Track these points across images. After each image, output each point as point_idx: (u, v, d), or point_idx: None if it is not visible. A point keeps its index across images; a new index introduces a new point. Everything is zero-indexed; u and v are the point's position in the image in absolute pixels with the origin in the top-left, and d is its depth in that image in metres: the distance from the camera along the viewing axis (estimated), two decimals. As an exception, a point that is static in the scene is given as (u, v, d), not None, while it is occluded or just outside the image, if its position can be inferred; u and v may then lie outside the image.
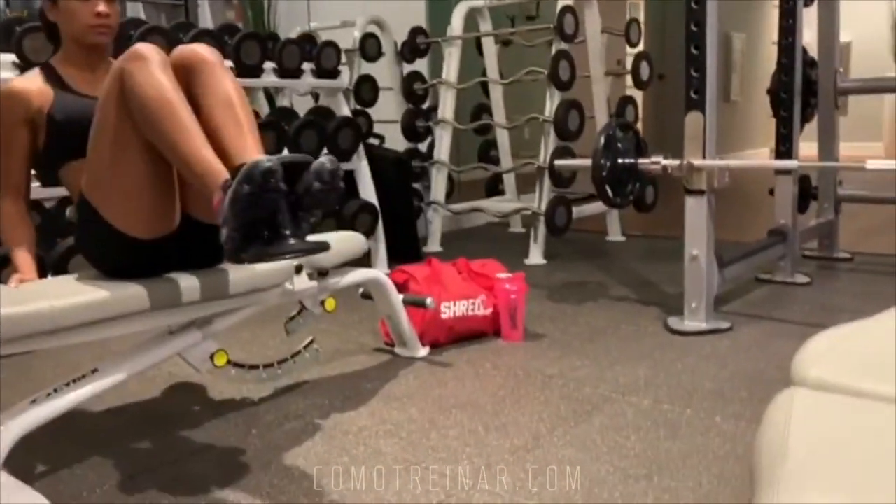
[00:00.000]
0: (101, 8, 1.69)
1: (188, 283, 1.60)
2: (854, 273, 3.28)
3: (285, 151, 3.07)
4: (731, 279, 2.67)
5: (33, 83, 1.70)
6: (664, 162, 2.48)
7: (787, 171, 3.01)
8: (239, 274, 1.69)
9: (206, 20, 6.18)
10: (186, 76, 1.49)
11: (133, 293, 1.52)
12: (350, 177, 3.44)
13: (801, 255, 3.28)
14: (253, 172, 1.26)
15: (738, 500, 1.42)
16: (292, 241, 1.31)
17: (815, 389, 0.85)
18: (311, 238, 1.37)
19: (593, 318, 2.69)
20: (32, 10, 5.39)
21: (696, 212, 2.45)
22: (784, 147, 3.11)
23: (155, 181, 1.52)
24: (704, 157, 2.41)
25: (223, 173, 1.36)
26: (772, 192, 3.19)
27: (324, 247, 1.39)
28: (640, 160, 2.54)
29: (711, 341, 2.38)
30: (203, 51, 1.53)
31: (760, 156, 8.70)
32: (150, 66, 1.43)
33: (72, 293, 1.47)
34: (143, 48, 1.46)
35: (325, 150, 3.31)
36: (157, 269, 1.60)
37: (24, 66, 2.52)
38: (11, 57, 2.52)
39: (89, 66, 1.76)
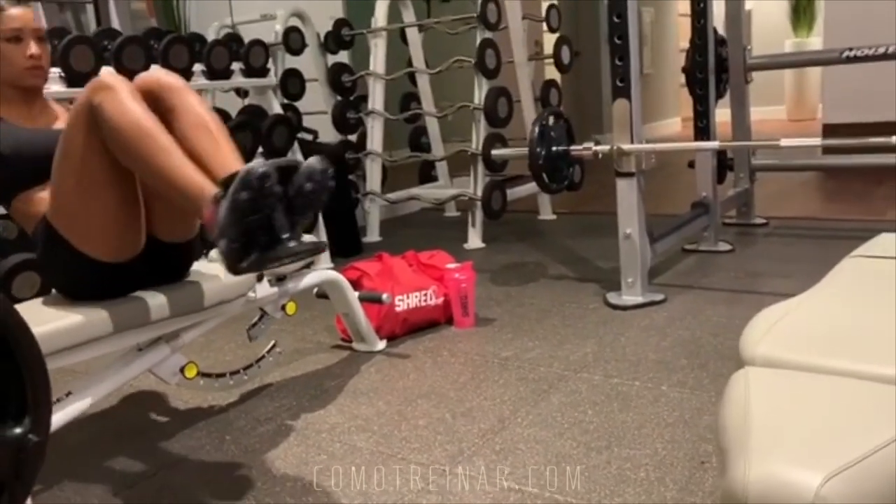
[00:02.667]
0: (34, 50, 1.73)
1: (157, 300, 1.63)
2: (771, 237, 3.52)
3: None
4: (661, 252, 2.84)
5: None
6: (595, 148, 2.62)
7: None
8: (205, 288, 1.73)
9: (115, 15, 5.99)
10: (154, 103, 1.51)
11: (103, 316, 1.54)
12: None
13: (722, 223, 3.50)
14: (249, 178, 1.27)
15: (690, 462, 1.57)
16: (291, 243, 1.32)
17: (765, 366, 0.98)
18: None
19: (537, 298, 2.82)
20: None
21: (627, 193, 2.60)
22: (702, 123, 3.30)
23: (121, 206, 1.54)
24: (632, 141, 2.56)
25: (211, 188, 1.37)
26: (691, 164, 3.38)
27: (321, 247, 1.43)
28: (573, 147, 2.67)
29: (649, 313, 2.54)
30: (166, 77, 1.56)
31: (673, 126, 9.05)
32: (120, 95, 1.44)
33: (42, 321, 1.49)
34: (109, 79, 1.47)
35: (259, 150, 3.31)
36: (124, 290, 1.63)
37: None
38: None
39: (26, 105, 1.79)
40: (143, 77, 1.57)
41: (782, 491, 0.72)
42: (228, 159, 1.47)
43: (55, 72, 2.73)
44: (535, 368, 2.14)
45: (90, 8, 5.96)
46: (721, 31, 3.49)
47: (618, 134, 2.58)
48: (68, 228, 1.56)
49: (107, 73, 1.49)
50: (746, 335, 1.08)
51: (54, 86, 2.73)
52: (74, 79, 2.76)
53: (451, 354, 2.31)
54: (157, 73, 1.58)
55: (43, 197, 1.66)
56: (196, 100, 1.55)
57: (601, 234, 3.59)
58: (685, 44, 3.80)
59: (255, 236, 1.30)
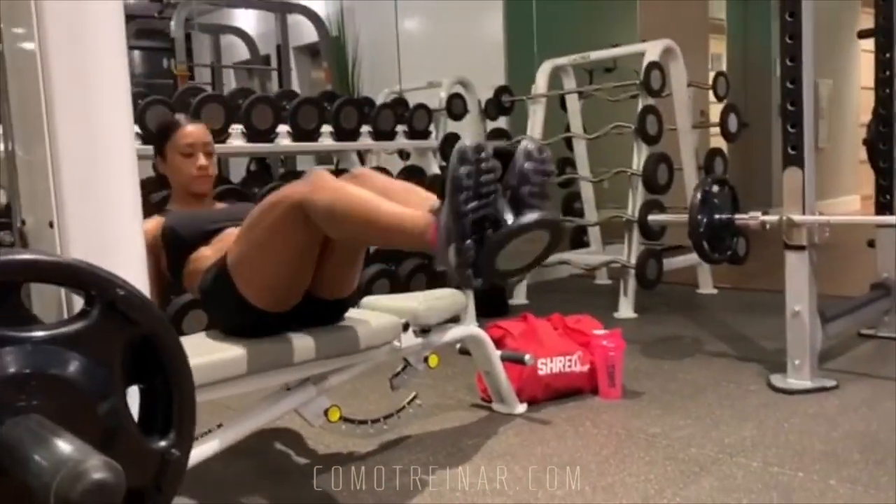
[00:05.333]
0: (202, 162, 2.02)
1: (304, 342, 1.68)
2: (966, 328, 3.14)
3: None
4: (834, 335, 2.60)
5: (150, 221, 1.94)
6: (763, 218, 2.47)
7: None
8: (353, 332, 1.77)
9: (296, 81, 6.50)
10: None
11: (249, 354, 1.60)
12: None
13: (906, 308, 3.16)
14: (463, 151, 1.25)
15: (864, 570, 1.38)
16: (520, 219, 1.24)
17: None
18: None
19: (692, 374, 2.65)
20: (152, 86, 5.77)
21: (797, 267, 2.42)
22: (884, 199, 3.03)
23: (293, 270, 1.64)
24: (804, 212, 2.39)
25: (428, 209, 1.39)
26: (871, 243, 3.10)
27: (560, 223, 1.32)
28: (737, 216, 2.53)
29: (818, 400, 2.31)
30: (363, 171, 1.73)
31: (851, 203, 8.44)
32: (332, 182, 1.53)
33: (204, 352, 1.58)
34: (321, 180, 1.54)
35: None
36: (277, 331, 1.70)
37: (145, 137, 2.73)
38: (135, 128, 2.73)
39: (198, 203, 2.06)
40: (347, 175, 1.70)
41: None
42: (433, 199, 1.51)
43: (237, 128, 2.98)
44: (686, 448, 1.99)
45: (275, 75, 6.52)
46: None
47: (788, 204, 2.42)
48: (240, 275, 1.67)
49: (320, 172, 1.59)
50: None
51: (235, 141, 2.98)
52: (254, 135, 3.00)
53: (594, 425, 2.20)
54: (359, 170, 1.74)
55: (206, 255, 1.85)
56: (395, 179, 1.74)
57: (766, 313, 3.36)
58: (866, 118, 3.54)
59: (482, 230, 1.25)
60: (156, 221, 1.97)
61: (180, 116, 2.17)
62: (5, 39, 0.76)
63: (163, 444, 0.69)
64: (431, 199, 1.52)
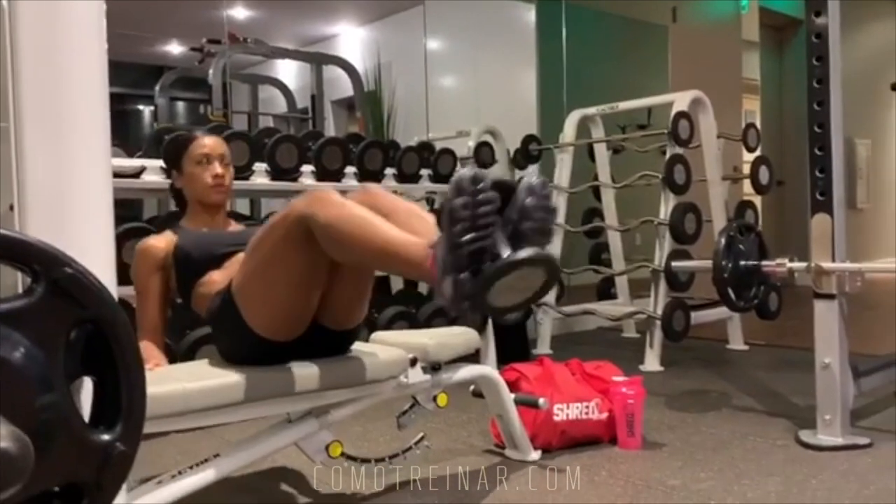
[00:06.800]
0: (218, 170, 2.00)
1: (307, 371, 1.64)
2: None
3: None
4: (868, 391, 2.47)
5: (163, 238, 1.97)
6: (790, 265, 2.38)
7: (927, 278, 2.82)
8: (358, 364, 1.72)
9: (331, 131, 6.60)
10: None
11: (249, 381, 1.56)
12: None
13: (948, 368, 3.01)
14: (460, 181, 1.22)
15: None
16: (515, 255, 1.21)
17: None
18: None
19: (716, 428, 2.54)
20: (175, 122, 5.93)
21: (826, 317, 2.32)
22: (922, 252, 2.92)
23: (298, 298, 1.61)
24: (834, 259, 2.30)
25: (427, 241, 1.36)
26: (910, 300, 2.99)
27: (553, 261, 1.27)
28: (764, 262, 2.45)
29: (849, 458, 2.18)
30: (375, 188, 1.69)
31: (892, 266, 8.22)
32: (336, 198, 1.51)
33: (203, 377, 1.55)
34: (323, 193, 1.53)
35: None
36: (280, 361, 1.66)
37: (169, 171, 2.76)
38: (159, 162, 2.76)
39: (210, 218, 2.04)
40: (354, 192, 1.67)
41: None
42: (435, 226, 1.49)
43: (262, 167, 3.00)
44: (705, 502, 1.88)
45: (310, 124, 6.62)
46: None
47: (816, 251, 2.33)
48: (244, 301, 1.64)
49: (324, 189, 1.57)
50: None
51: (259, 178, 3.00)
52: (278, 173, 3.01)
53: (610, 475, 2.10)
54: (368, 187, 1.70)
55: (215, 279, 1.82)
56: (404, 201, 1.66)
57: (799, 370, 3.23)
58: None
59: (480, 263, 1.21)
60: (168, 239, 1.95)
61: (197, 132, 2.16)
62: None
63: (107, 437, 0.64)
64: (435, 228, 1.48)
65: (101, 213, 0.72)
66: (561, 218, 4.08)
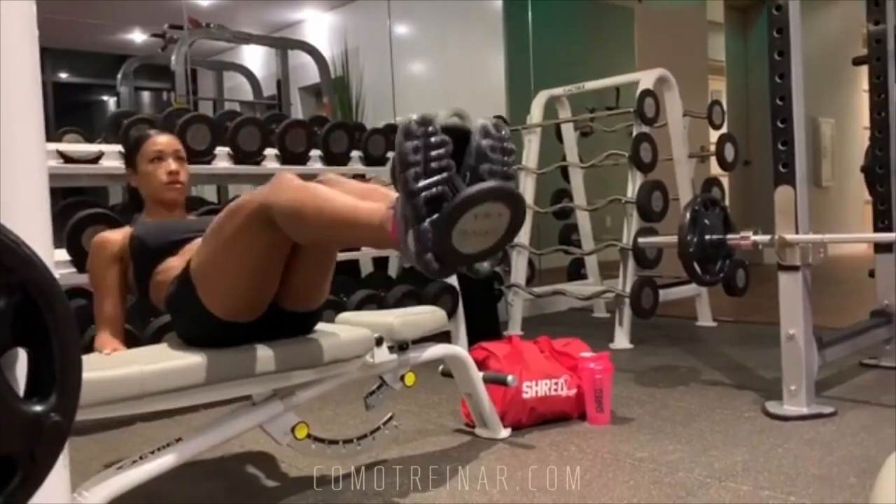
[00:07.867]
0: (172, 167, 2.00)
1: (265, 353, 1.61)
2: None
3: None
4: (832, 362, 2.51)
5: (119, 231, 1.94)
6: (754, 237, 2.40)
7: (888, 248, 2.86)
8: (320, 345, 1.70)
9: (300, 115, 6.52)
10: None
11: (206, 362, 1.53)
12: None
13: (910, 338, 3.06)
14: (408, 125, 1.16)
15: None
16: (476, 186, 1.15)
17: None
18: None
19: (685, 401, 2.56)
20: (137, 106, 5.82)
21: (790, 289, 2.34)
22: (882, 223, 2.96)
23: (255, 280, 1.57)
24: (797, 231, 2.32)
25: (387, 204, 1.32)
26: (871, 273, 3.03)
27: (518, 192, 1.22)
28: (729, 235, 2.46)
29: (814, 426, 2.21)
30: (333, 177, 1.64)
31: (857, 246, 8.35)
32: (295, 182, 1.48)
33: (160, 359, 1.51)
34: (284, 180, 1.49)
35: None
36: (238, 343, 1.63)
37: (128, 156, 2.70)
38: (118, 147, 2.70)
39: (169, 213, 2.03)
40: (315, 181, 1.63)
41: None
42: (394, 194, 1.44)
43: (224, 150, 2.95)
44: (673, 473, 1.89)
45: (277, 110, 6.53)
46: None
47: (780, 223, 2.35)
48: (202, 282, 1.60)
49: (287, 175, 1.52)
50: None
51: (222, 162, 2.95)
52: (241, 157, 2.96)
53: (579, 450, 2.11)
54: (328, 176, 1.65)
55: (173, 265, 1.77)
56: (365, 184, 1.64)
57: (765, 345, 3.27)
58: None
59: (440, 209, 1.16)
60: (124, 232, 1.92)
61: (151, 130, 2.14)
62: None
63: (39, 408, 0.62)
64: (395, 195, 1.45)
65: (33, 177, 0.69)
66: (529, 199, 4.07)
